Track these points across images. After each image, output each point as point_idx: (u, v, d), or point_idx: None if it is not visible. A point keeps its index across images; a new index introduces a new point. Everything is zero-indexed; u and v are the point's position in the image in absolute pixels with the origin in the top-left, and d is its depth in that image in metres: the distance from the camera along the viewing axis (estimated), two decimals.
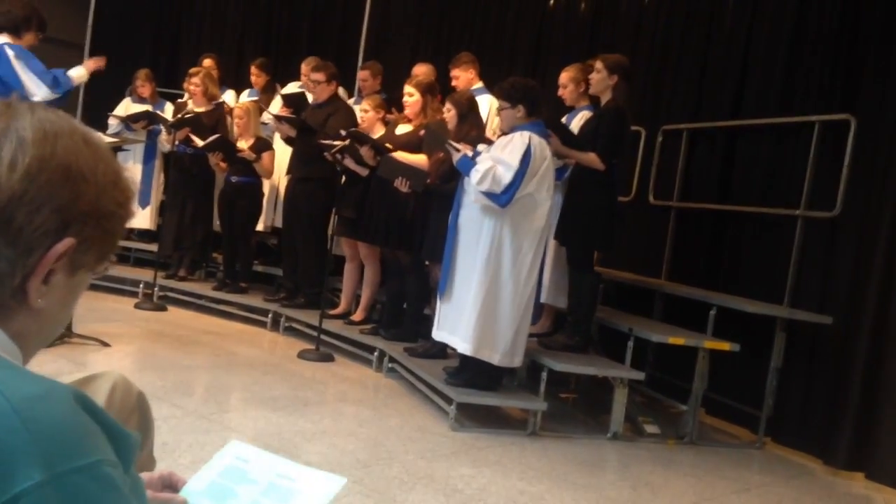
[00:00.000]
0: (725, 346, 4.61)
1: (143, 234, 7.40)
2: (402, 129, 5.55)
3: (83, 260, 0.92)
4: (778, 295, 4.89)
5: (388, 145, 5.27)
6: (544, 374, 4.39)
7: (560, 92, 5.17)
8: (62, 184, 0.88)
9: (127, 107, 7.39)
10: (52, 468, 0.76)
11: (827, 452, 4.52)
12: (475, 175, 4.12)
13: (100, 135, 1.00)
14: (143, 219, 7.27)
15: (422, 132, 5.31)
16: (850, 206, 4.62)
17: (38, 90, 4.64)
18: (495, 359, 4.25)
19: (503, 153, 4.18)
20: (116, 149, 6.33)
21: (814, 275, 4.80)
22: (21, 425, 0.76)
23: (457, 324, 4.33)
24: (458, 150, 4.34)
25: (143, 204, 7.26)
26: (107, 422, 0.86)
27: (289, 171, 6.28)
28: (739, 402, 4.97)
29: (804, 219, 4.85)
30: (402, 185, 5.03)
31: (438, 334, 4.54)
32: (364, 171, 5.52)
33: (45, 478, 0.75)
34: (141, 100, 7.36)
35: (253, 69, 7.35)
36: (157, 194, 7.43)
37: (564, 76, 5.14)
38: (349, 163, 5.53)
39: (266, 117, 6.63)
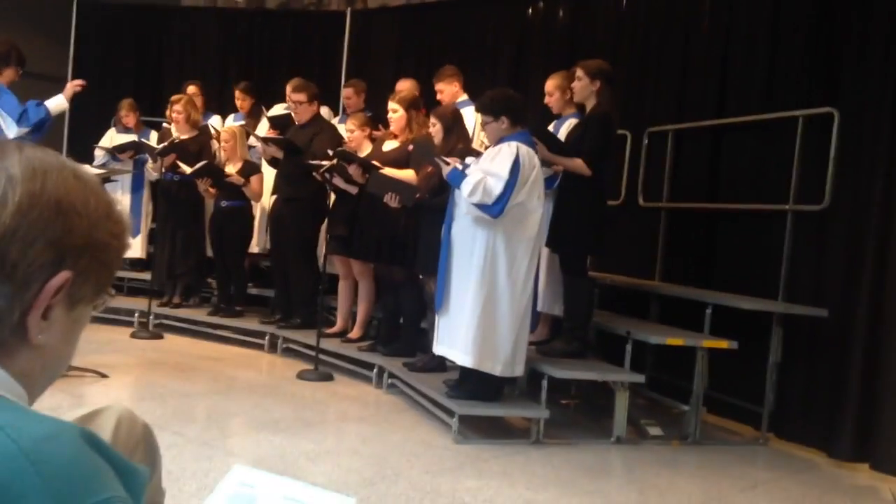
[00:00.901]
0: (724, 344, 4.63)
1: (134, 264, 7.38)
2: (389, 145, 5.56)
3: (81, 293, 0.92)
4: (772, 290, 4.91)
5: (375, 162, 5.28)
6: (545, 382, 4.40)
7: (546, 100, 5.19)
8: (54, 218, 0.88)
9: (112, 137, 7.39)
10: None
11: (830, 445, 4.53)
12: (466, 187, 4.13)
13: (87, 167, 1.01)
14: (133, 248, 7.25)
15: (409, 147, 5.33)
16: (838, 198, 4.65)
17: (8, 126, 4.63)
18: (497, 369, 4.25)
19: (492, 164, 4.19)
20: (104, 180, 6.33)
21: (807, 268, 4.83)
22: (31, 467, 0.77)
23: (455, 337, 4.32)
24: (447, 164, 4.35)
25: (133, 233, 7.25)
26: (115, 458, 0.86)
27: (275, 191, 6.27)
28: (741, 400, 4.98)
29: (794, 213, 4.88)
30: (391, 200, 5.03)
31: (439, 349, 4.53)
32: (353, 189, 5.53)
33: None
34: (126, 129, 7.36)
35: (237, 93, 7.35)
36: (146, 223, 7.42)
37: (550, 84, 5.16)
38: (338, 182, 5.54)
39: (252, 140, 6.63)
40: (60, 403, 4.15)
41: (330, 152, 5.45)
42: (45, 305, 0.89)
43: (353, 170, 5.39)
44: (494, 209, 4.13)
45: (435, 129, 4.90)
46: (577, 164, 4.60)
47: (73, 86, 5.13)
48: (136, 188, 7.33)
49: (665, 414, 5.12)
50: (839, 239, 4.65)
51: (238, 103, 7.37)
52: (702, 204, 5.58)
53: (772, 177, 5.12)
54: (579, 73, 4.77)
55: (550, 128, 5.18)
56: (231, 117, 7.51)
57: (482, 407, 4.34)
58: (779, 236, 4.94)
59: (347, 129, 5.84)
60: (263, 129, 6.76)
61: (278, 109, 6.90)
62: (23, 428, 0.80)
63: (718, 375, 4.79)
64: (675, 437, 4.64)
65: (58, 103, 4.97)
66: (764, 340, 4.73)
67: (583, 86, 4.76)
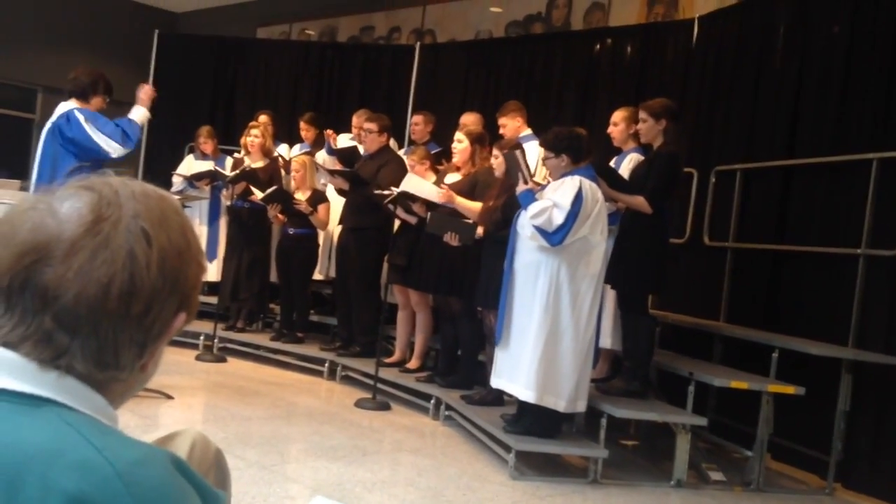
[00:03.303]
0: (790, 389, 4.51)
1: (213, 287, 7.48)
2: (451, 178, 5.61)
3: (183, 325, 0.98)
4: (842, 336, 4.77)
5: (437, 200, 5.30)
6: (604, 421, 4.34)
7: (610, 129, 5.18)
8: (179, 267, 0.93)
9: (190, 164, 7.60)
10: None
11: None
12: (532, 209, 4.16)
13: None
14: (212, 272, 7.42)
15: (471, 180, 5.38)
16: None
17: (113, 149, 4.78)
18: (560, 405, 4.21)
19: (555, 195, 4.22)
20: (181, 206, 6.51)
21: (879, 314, 4.68)
22: (124, 489, 0.81)
23: (516, 371, 4.31)
24: (526, 183, 4.37)
25: (211, 257, 7.43)
26: (199, 484, 0.90)
27: (341, 221, 6.38)
28: (806, 447, 4.83)
29: (866, 257, 4.75)
30: (451, 239, 5.06)
31: (497, 382, 4.52)
32: (413, 220, 5.60)
33: None
34: (203, 156, 7.56)
35: (302, 124, 7.50)
36: (223, 248, 7.53)
37: (617, 115, 5.17)
38: (399, 212, 5.63)
39: (321, 168, 6.76)
40: (128, 423, 4.27)
41: (394, 189, 5.52)
42: (162, 347, 0.95)
43: (416, 208, 5.46)
44: (554, 238, 4.14)
45: (497, 161, 4.94)
46: (639, 201, 4.58)
47: (146, 93, 5.05)
48: (213, 213, 7.50)
49: (727, 459, 5.00)
50: None
51: (303, 134, 7.51)
52: (770, 245, 5.47)
53: (843, 220, 4.99)
54: (643, 115, 4.77)
55: (612, 162, 5.18)
56: (297, 147, 7.67)
57: (539, 443, 4.30)
58: (850, 281, 4.80)
59: (409, 164, 5.93)
60: (320, 158, 6.94)
61: (344, 140, 7.04)
62: (118, 451, 0.84)
63: (784, 421, 4.66)
64: (738, 484, 4.52)
65: (141, 114, 4.97)
66: (832, 387, 4.59)
67: (648, 127, 4.75)
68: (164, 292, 0.91)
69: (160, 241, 0.91)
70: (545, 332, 4.19)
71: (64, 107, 4.87)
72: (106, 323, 0.88)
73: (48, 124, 4.88)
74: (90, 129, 4.74)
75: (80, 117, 4.77)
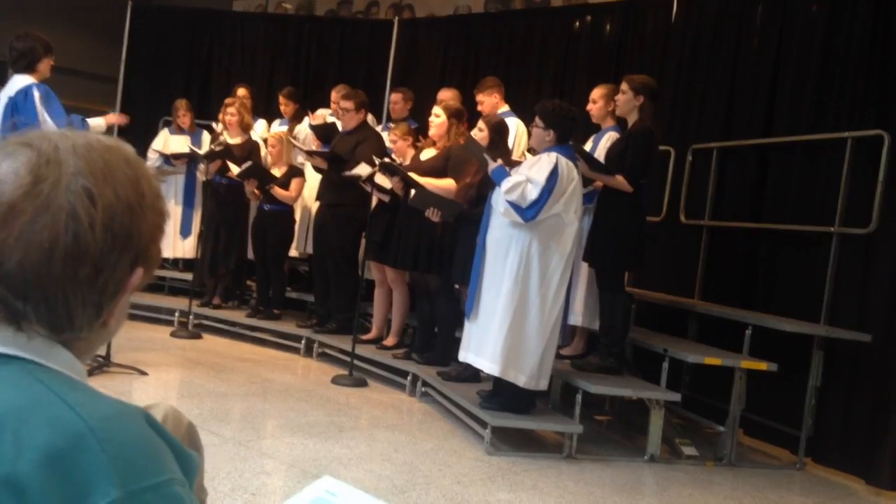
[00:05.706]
0: (763, 365, 4.56)
1: (188, 264, 7.43)
2: (427, 153, 5.59)
3: (144, 280, 0.96)
4: (815, 313, 4.83)
5: (415, 176, 5.28)
6: (579, 397, 4.37)
7: (589, 106, 5.18)
8: (130, 222, 0.90)
9: (166, 138, 7.50)
10: (127, 486, 0.80)
11: (869, 472, 4.44)
12: (506, 184, 4.16)
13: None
14: (186, 248, 7.36)
15: (447, 155, 5.35)
16: (886, 222, 4.57)
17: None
18: (521, 380, 4.23)
19: (530, 171, 4.22)
20: None
21: (851, 292, 4.74)
22: (98, 445, 0.81)
23: (483, 344, 4.33)
24: (494, 161, 4.37)
25: (185, 234, 7.36)
26: (172, 442, 0.90)
27: (318, 198, 6.34)
28: (778, 423, 4.90)
29: (839, 235, 4.80)
30: (433, 214, 5.05)
31: (465, 355, 4.53)
32: (386, 198, 5.58)
33: (121, 495, 0.79)
34: (179, 130, 7.46)
35: (281, 99, 7.44)
36: (197, 225, 7.47)
37: (596, 92, 5.17)
38: (374, 192, 5.61)
39: (298, 149, 6.70)
40: None
41: (376, 160, 5.48)
42: (123, 302, 0.94)
43: (394, 182, 5.43)
44: (528, 213, 4.15)
45: (481, 134, 4.93)
46: (619, 181, 4.59)
47: (117, 117, 5.28)
48: (189, 189, 7.40)
49: (700, 434, 5.06)
50: (886, 263, 4.56)
51: (282, 108, 7.45)
52: (745, 223, 5.51)
53: (818, 198, 5.04)
54: (624, 86, 4.78)
55: (590, 140, 5.20)
56: (276, 122, 7.60)
57: (515, 419, 4.33)
58: (823, 258, 4.86)
59: (390, 140, 5.89)
60: (303, 132, 6.87)
61: (322, 114, 6.98)
62: (91, 407, 0.84)
63: (756, 397, 4.72)
64: (710, 458, 4.58)
65: (97, 124, 5.04)
66: (804, 363, 4.65)
67: (626, 100, 4.75)
68: (115, 252, 0.88)
69: (105, 198, 0.88)
70: (512, 307, 4.20)
71: (21, 81, 4.76)
72: (53, 287, 0.86)
73: (4, 98, 4.78)
74: (40, 111, 4.64)
75: (36, 95, 4.67)
